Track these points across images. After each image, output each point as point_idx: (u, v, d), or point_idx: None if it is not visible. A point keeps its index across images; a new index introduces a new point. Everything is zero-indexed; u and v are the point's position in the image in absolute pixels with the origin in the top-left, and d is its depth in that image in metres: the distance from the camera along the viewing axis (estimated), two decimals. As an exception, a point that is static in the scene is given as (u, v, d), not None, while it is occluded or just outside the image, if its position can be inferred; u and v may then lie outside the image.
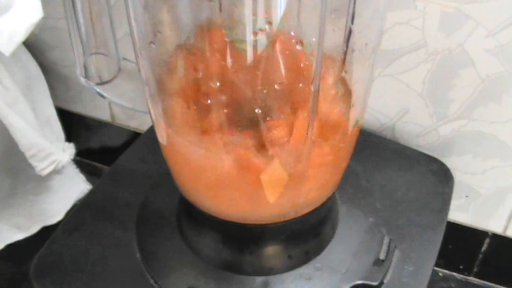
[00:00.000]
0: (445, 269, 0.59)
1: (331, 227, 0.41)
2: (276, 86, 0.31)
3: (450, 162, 0.50)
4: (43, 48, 0.62)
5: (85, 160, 0.70)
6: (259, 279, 0.38)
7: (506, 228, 0.54)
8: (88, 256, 0.40)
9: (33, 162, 0.53)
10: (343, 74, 0.33)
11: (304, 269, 0.38)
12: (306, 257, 0.39)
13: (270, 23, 0.29)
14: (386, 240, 0.40)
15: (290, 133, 0.32)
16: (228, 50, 0.30)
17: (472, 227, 0.55)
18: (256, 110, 0.31)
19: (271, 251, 0.39)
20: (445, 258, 0.58)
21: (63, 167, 0.56)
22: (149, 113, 0.36)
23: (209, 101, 0.31)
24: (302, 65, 0.31)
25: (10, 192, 0.62)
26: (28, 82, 0.56)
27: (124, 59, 0.39)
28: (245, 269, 0.38)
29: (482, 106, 0.47)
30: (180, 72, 0.33)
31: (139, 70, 0.34)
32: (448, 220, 0.47)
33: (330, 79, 0.32)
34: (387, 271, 0.39)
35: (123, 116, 0.64)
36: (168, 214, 0.42)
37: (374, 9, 0.32)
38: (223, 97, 0.31)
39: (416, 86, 0.48)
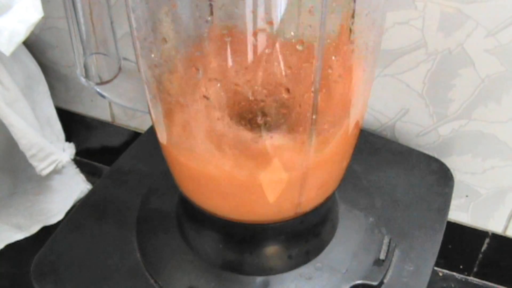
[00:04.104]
0: (445, 269, 0.59)
1: (331, 227, 0.41)
2: (276, 86, 0.31)
3: (450, 162, 0.50)
4: (43, 48, 0.62)
5: (85, 160, 0.70)
6: (259, 279, 0.38)
7: (506, 228, 0.54)
8: (88, 256, 0.40)
9: (33, 162, 0.53)
10: (343, 74, 0.33)
11: (304, 269, 0.38)
12: (306, 257, 0.39)
13: (270, 23, 0.29)
14: (386, 240, 0.40)
15: (291, 133, 0.32)
16: (228, 50, 0.30)
17: (472, 227, 0.55)
18: (257, 111, 0.31)
19: (271, 251, 0.39)
20: (445, 258, 0.58)
21: (63, 167, 0.57)
22: (149, 113, 0.36)
23: (209, 101, 0.31)
24: (302, 65, 0.31)
25: (10, 192, 0.62)
26: (28, 82, 0.56)
27: (124, 59, 0.39)
28: (245, 269, 0.38)
29: (482, 106, 0.47)
30: (180, 72, 0.33)
31: (139, 70, 0.34)
32: (448, 220, 0.47)
33: (330, 79, 0.32)
34: (387, 271, 0.39)
35: (123, 116, 0.64)
36: (168, 214, 0.42)
37: (374, 8, 0.32)
38: (223, 97, 0.31)
39: (416, 86, 0.48)
